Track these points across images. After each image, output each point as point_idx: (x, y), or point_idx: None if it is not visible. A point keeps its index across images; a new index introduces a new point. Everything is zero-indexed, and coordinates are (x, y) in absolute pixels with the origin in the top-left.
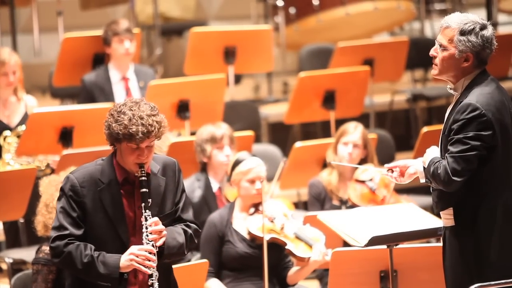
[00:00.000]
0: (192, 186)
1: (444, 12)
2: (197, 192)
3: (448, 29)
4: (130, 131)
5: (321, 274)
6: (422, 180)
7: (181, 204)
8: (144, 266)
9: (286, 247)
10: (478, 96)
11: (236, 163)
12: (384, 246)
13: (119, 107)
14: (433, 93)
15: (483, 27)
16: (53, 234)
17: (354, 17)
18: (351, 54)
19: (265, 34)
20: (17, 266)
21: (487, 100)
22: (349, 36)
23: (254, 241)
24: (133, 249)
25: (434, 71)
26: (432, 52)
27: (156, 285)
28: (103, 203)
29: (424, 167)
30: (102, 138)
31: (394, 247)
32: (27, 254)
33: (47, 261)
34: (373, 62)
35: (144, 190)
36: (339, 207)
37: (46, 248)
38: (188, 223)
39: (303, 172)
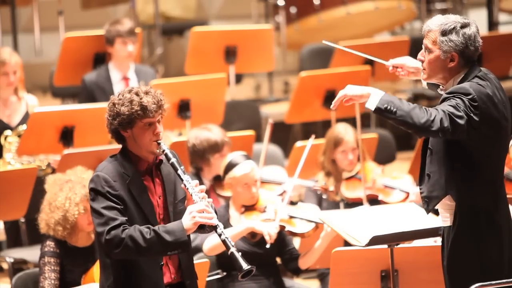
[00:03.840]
0: None
1: (445, 12)
2: None
3: (430, 32)
4: (143, 104)
5: (322, 274)
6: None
7: None
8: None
9: (285, 229)
10: (470, 84)
11: (230, 166)
12: (385, 246)
13: (117, 96)
14: (433, 93)
15: (464, 26)
16: (105, 228)
17: (355, 16)
18: (352, 53)
19: (266, 34)
20: (18, 266)
21: (479, 88)
22: (350, 35)
23: (254, 237)
24: (192, 208)
25: (423, 75)
26: (419, 56)
27: (224, 234)
28: (133, 195)
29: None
30: (103, 137)
31: (395, 246)
32: (28, 253)
33: (53, 253)
34: (373, 61)
35: (173, 160)
36: (337, 205)
37: (51, 243)
38: None
39: (303, 172)
